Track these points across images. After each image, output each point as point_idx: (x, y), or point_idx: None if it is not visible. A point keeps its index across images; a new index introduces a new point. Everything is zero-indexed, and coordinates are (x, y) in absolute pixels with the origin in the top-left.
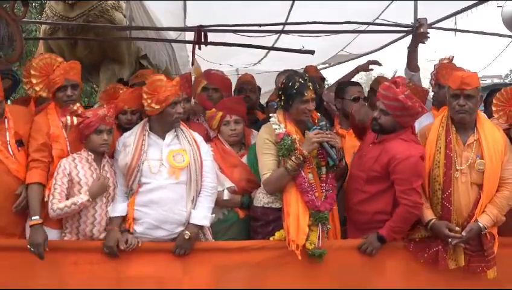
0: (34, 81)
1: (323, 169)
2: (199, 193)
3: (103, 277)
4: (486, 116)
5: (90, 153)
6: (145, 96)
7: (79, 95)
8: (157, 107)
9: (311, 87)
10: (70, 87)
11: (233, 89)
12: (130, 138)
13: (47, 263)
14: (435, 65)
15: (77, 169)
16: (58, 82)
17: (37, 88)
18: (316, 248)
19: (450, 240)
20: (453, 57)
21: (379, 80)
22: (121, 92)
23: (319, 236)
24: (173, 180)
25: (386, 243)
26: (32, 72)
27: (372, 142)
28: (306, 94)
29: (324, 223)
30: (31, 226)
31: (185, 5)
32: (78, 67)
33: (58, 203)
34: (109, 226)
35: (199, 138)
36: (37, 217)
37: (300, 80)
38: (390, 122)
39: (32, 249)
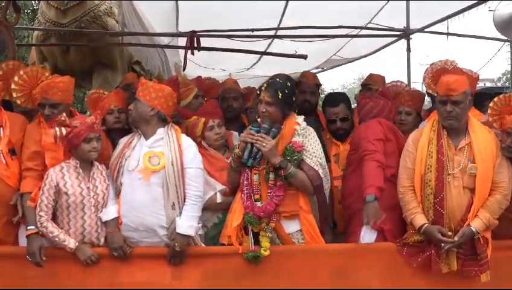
0: (14, 94)
1: (271, 175)
2: (184, 200)
3: (96, 284)
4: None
5: (77, 161)
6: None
7: (62, 112)
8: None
9: (263, 88)
10: (48, 106)
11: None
12: (124, 139)
13: (40, 271)
14: (427, 69)
15: (64, 179)
16: (37, 99)
17: (19, 101)
18: (250, 251)
19: (442, 244)
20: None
21: (372, 76)
22: (105, 94)
23: (250, 238)
24: (143, 181)
25: (380, 246)
26: (13, 86)
27: None
28: (260, 95)
29: (253, 225)
30: (27, 236)
31: (177, 10)
32: (62, 86)
33: (45, 222)
34: (109, 230)
35: (186, 144)
36: (33, 227)
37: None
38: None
39: (30, 258)
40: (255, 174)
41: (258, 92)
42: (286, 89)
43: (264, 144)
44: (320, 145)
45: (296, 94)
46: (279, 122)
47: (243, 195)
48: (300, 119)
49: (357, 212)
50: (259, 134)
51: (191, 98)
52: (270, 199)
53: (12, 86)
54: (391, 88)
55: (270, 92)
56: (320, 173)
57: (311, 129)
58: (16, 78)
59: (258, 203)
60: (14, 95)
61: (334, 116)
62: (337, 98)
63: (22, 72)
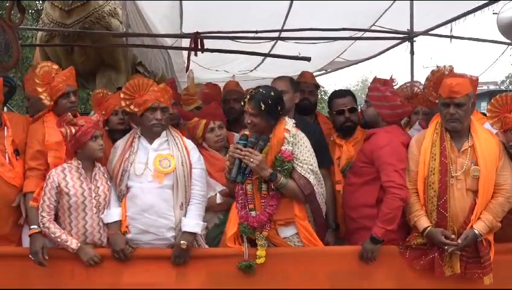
0: (40, 89)
1: (264, 185)
2: (189, 200)
3: (99, 285)
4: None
5: (79, 162)
6: (122, 95)
7: (78, 99)
8: (135, 109)
9: (245, 100)
10: (72, 93)
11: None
12: (120, 142)
13: (43, 271)
14: (427, 77)
15: (66, 180)
16: (61, 89)
17: (43, 96)
18: (244, 260)
19: (446, 247)
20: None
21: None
22: (109, 94)
23: (245, 248)
24: (156, 184)
25: (383, 249)
26: (36, 80)
27: (364, 141)
28: (243, 106)
29: (247, 235)
30: (30, 235)
31: (181, 11)
32: (74, 73)
33: (47, 222)
34: (111, 232)
35: (190, 145)
36: (35, 226)
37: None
38: (372, 113)
39: (32, 258)
40: (249, 184)
41: (242, 103)
42: (269, 100)
43: (251, 160)
44: (311, 150)
45: (284, 101)
46: (267, 132)
47: (237, 205)
48: (290, 124)
49: (363, 229)
50: (246, 149)
51: (192, 108)
52: (263, 208)
53: (36, 81)
54: (409, 88)
55: (253, 103)
56: (312, 180)
57: (302, 134)
58: (36, 73)
59: (253, 213)
60: (40, 89)
61: (342, 107)
62: (343, 91)
63: (38, 68)
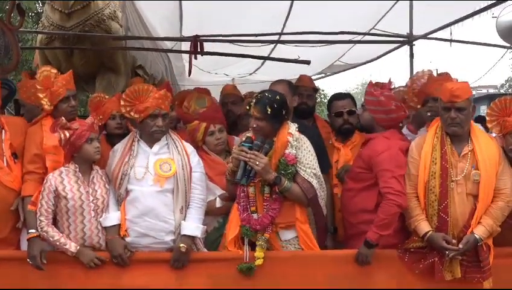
0: (41, 95)
1: (266, 188)
2: (189, 204)
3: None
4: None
5: (77, 165)
6: (122, 102)
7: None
8: (136, 116)
9: (252, 104)
10: (72, 97)
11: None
12: (119, 145)
13: (42, 275)
14: (406, 84)
15: (63, 184)
16: (62, 93)
17: (44, 102)
18: (244, 263)
19: (447, 252)
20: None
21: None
22: (106, 98)
23: (245, 250)
24: (157, 188)
25: (382, 253)
26: (37, 86)
27: (362, 146)
28: (249, 110)
29: (249, 237)
30: (28, 239)
31: (181, 14)
32: (73, 77)
33: (45, 226)
34: (109, 236)
35: (190, 149)
36: (33, 230)
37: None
38: (368, 117)
39: (30, 262)
40: (251, 186)
41: (248, 107)
42: (275, 104)
43: (257, 163)
44: (314, 154)
45: (288, 105)
46: (271, 135)
47: (239, 207)
48: (293, 128)
49: (362, 234)
50: (251, 151)
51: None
52: (266, 211)
53: (37, 87)
54: (400, 93)
55: (260, 107)
56: (315, 184)
57: (305, 139)
58: (37, 79)
59: (255, 215)
60: (41, 95)
61: (341, 108)
62: (343, 93)
63: (38, 74)
